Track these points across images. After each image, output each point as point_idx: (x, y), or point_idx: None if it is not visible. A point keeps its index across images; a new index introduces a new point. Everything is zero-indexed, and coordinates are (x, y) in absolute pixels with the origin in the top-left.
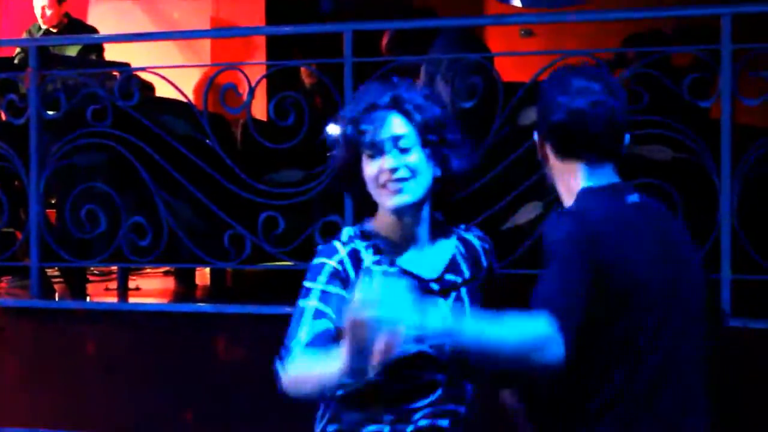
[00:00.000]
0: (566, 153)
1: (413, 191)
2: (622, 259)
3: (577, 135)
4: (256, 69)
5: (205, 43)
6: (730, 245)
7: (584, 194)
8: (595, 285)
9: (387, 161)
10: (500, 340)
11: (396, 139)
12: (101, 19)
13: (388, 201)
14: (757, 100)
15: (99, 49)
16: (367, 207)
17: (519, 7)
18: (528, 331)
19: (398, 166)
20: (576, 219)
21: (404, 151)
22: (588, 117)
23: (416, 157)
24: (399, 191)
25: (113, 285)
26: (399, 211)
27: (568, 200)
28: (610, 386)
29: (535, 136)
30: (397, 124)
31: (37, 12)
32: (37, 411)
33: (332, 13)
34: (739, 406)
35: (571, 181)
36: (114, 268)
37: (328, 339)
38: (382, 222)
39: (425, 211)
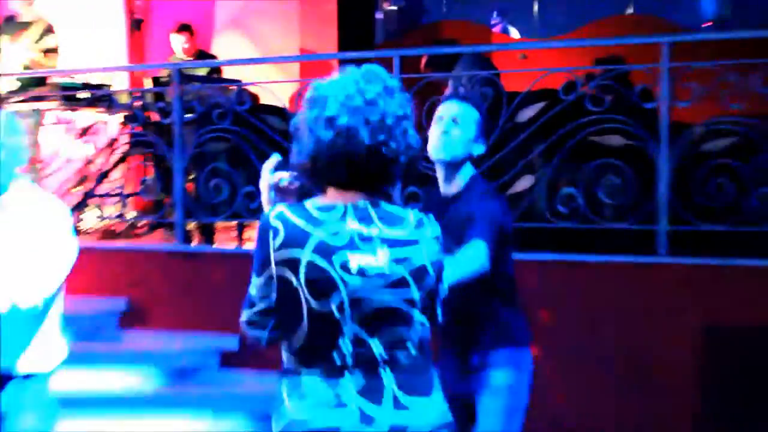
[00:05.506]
0: None
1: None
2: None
3: None
4: None
5: (295, 65)
6: (667, 205)
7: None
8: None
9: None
10: (460, 271)
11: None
12: (220, 48)
13: None
14: (687, 102)
15: (219, 70)
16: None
17: (518, 38)
18: (472, 259)
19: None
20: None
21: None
22: None
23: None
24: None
25: (233, 235)
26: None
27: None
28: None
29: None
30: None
31: (177, 47)
32: (180, 318)
33: (386, 42)
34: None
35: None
36: (233, 223)
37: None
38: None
39: None
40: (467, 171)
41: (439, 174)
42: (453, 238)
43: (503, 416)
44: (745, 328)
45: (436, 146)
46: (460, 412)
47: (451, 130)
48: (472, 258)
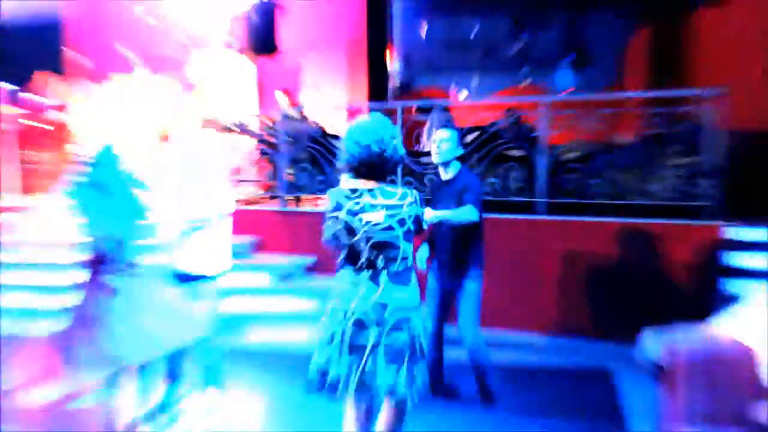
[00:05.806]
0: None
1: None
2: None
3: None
4: None
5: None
6: (545, 187)
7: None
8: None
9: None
10: (461, 217)
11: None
12: (305, 100)
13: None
14: (556, 132)
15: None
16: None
17: (465, 96)
18: (470, 214)
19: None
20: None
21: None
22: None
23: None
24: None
25: (312, 203)
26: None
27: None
28: (480, 233)
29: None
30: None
31: (281, 100)
32: (283, 246)
33: (394, 98)
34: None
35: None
36: (312, 196)
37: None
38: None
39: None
40: (455, 165)
41: (440, 169)
42: (452, 203)
43: (473, 307)
44: (587, 253)
45: (435, 156)
46: (446, 300)
47: (441, 146)
48: (468, 212)
